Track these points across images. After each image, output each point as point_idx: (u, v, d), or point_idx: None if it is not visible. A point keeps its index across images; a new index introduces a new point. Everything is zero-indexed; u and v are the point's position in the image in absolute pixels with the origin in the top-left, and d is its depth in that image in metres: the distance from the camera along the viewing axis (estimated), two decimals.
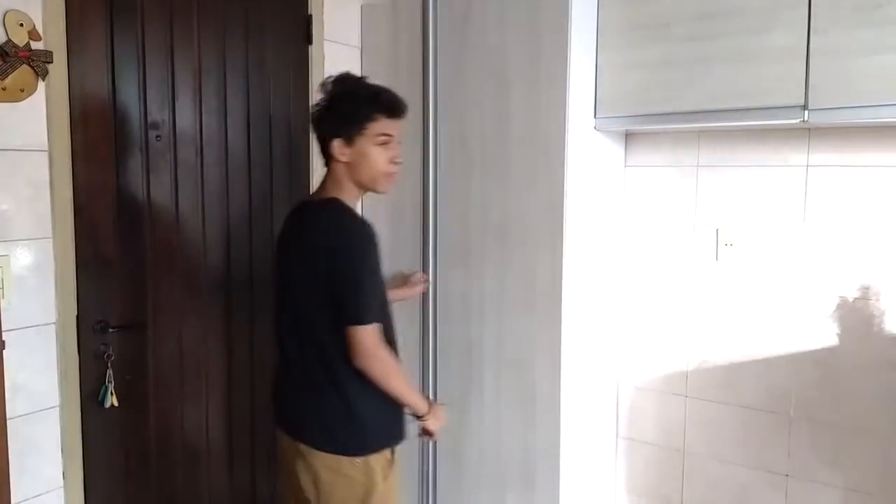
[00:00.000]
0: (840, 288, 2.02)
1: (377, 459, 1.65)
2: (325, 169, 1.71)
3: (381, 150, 1.65)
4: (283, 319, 1.70)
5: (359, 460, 1.63)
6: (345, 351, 1.59)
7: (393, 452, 1.70)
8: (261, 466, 2.25)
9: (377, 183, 1.68)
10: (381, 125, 1.64)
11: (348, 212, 1.65)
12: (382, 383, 1.61)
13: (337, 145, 1.64)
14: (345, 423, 1.64)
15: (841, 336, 2.03)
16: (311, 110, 1.74)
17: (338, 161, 1.65)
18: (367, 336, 1.56)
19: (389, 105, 1.66)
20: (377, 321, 1.59)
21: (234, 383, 2.15)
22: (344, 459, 1.62)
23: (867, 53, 1.68)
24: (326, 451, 1.63)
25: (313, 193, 1.77)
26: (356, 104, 1.65)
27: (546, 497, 2.09)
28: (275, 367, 1.79)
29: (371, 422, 1.65)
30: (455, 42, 2.17)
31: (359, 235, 1.61)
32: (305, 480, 1.66)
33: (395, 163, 1.68)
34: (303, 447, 1.65)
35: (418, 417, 1.72)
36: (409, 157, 2.12)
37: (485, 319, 2.16)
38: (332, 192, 1.67)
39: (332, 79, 1.70)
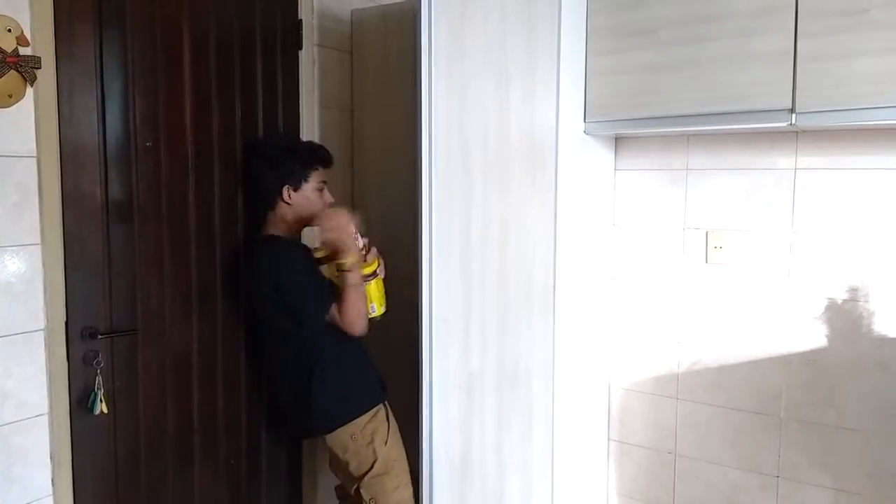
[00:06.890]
0: (829, 290, 2.04)
1: (357, 425, 2.02)
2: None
3: (318, 194, 2.05)
4: (260, 337, 2.14)
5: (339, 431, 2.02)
6: (297, 361, 1.99)
7: (380, 412, 2.07)
8: (252, 473, 2.24)
9: (314, 220, 2.02)
10: (319, 174, 2.05)
11: (282, 246, 2.01)
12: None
13: (286, 191, 2.00)
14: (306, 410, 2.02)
15: (830, 337, 2.04)
16: (254, 164, 2.07)
17: (286, 203, 2.01)
18: (336, 321, 1.95)
19: (326, 159, 2.07)
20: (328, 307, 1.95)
21: (224, 389, 2.14)
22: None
23: (853, 57, 1.69)
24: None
25: (262, 229, 2.08)
26: (300, 158, 2.02)
27: (540, 501, 2.09)
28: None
29: (320, 409, 2.00)
30: (446, 48, 2.17)
31: (287, 263, 1.97)
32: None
33: (328, 204, 2.06)
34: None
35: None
36: (400, 165, 2.12)
37: (481, 323, 2.16)
38: (273, 229, 2.04)
39: (268, 139, 2.16)
